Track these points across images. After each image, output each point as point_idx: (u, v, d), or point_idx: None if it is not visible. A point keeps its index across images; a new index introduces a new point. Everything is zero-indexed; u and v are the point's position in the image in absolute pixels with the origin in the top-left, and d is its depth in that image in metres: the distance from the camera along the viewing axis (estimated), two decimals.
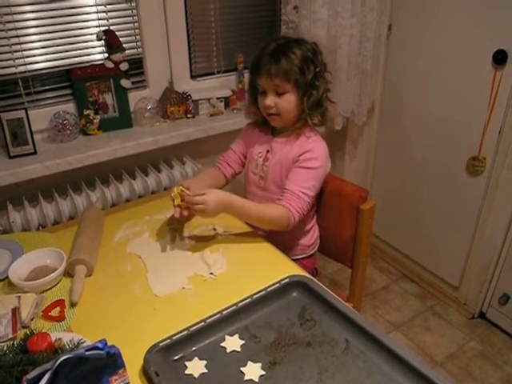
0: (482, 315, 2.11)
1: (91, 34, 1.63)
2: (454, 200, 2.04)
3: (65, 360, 0.63)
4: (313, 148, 1.32)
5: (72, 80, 1.62)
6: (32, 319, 1.01)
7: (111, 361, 0.70)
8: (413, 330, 2.06)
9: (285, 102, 1.29)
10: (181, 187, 1.19)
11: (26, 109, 1.50)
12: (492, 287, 2.00)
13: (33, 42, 1.55)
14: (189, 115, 1.79)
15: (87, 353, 0.65)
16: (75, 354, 0.65)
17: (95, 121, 1.64)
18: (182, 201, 1.19)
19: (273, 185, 1.39)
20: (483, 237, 1.97)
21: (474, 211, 1.96)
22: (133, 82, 1.72)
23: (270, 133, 1.42)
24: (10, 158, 1.50)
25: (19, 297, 1.03)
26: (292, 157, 1.34)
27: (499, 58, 1.70)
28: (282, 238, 1.36)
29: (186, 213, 1.21)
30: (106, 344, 0.68)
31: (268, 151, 1.40)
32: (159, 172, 1.70)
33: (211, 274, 1.14)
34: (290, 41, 1.30)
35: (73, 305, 1.05)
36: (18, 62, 1.53)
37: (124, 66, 1.64)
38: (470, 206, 1.98)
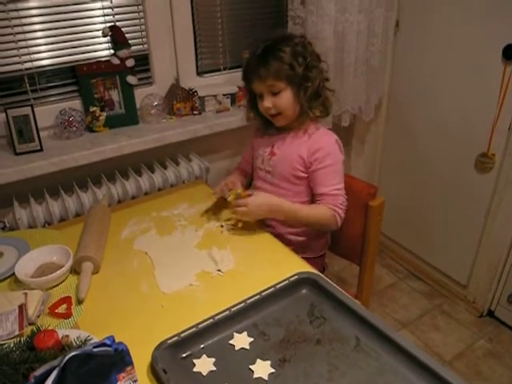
0: (490, 313, 2.08)
1: (97, 31, 1.62)
2: (462, 197, 2.02)
3: (72, 357, 0.62)
4: (322, 146, 1.33)
5: (78, 76, 1.61)
6: (38, 316, 1.01)
7: (119, 358, 0.69)
8: (420, 329, 2.04)
9: (282, 100, 1.31)
10: (239, 191, 1.32)
11: (31, 105, 1.50)
12: (501, 285, 1.98)
13: (38, 38, 1.53)
14: (195, 112, 1.78)
15: (95, 349, 0.64)
16: (83, 351, 0.64)
17: (101, 117, 1.63)
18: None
19: (280, 179, 1.40)
20: (492, 234, 1.94)
21: (483, 208, 1.94)
22: (139, 79, 1.71)
23: (276, 130, 1.43)
24: (16, 154, 1.49)
25: (26, 293, 1.02)
26: (299, 154, 1.35)
27: (509, 53, 1.67)
28: (297, 239, 1.40)
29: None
30: (113, 341, 0.67)
31: (273, 146, 1.42)
32: (165, 169, 1.69)
33: (219, 270, 1.13)
34: (277, 39, 1.30)
35: (80, 302, 1.04)
36: (23, 58, 1.52)
37: (130, 63, 1.63)
38: (478, 203, 1.95)
